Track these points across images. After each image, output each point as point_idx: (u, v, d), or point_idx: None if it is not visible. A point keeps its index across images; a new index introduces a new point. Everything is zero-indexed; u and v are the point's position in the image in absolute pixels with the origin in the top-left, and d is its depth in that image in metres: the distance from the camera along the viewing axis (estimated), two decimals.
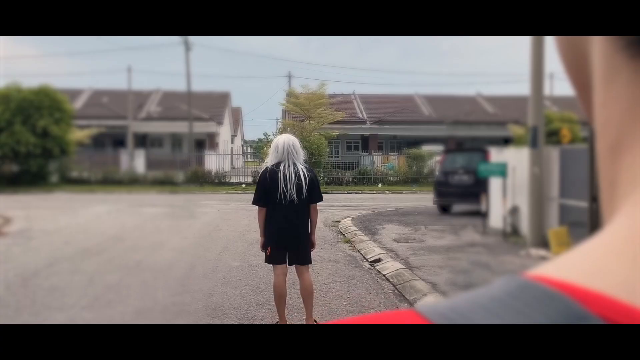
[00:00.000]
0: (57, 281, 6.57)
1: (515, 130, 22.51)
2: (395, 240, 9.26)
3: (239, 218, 13.08)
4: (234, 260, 7.87)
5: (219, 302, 5.66)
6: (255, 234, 10.44)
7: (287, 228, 4.62)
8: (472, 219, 11.40)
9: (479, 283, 6.15)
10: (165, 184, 24.01)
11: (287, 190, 4.53)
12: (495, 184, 10.58)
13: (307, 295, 4.73)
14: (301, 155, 4.71)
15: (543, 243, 8.23)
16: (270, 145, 4.85)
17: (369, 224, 11.40)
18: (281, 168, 4.57)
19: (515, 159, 9.53)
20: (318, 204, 4.77)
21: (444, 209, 13.26)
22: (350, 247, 9.17)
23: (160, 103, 35.55)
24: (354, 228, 10.87)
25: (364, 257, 8.24)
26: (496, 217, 10.22)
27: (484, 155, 12.03)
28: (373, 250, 8.42)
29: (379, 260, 7.78)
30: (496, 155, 10.61)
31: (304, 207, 4.65)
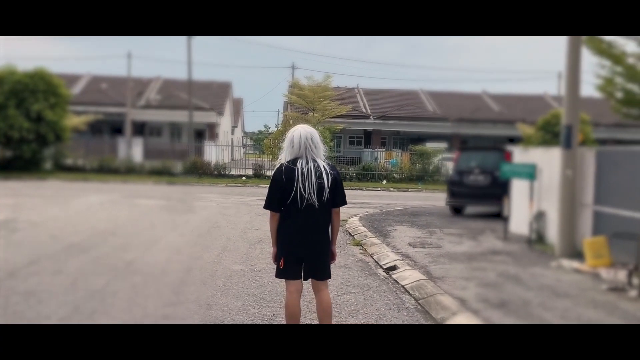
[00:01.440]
0: (35, 284, 5.81)
1: (524, 129, 21.80)
2: (410, 244, 8.51)
3: (240, 214, 12.34)
4: (235, 264, 7.11)
5: (218, 315, 4.92)
6: (257, 232, 9.75)
7: (304, 236, 3.85)
8: (488, 223, 10.68)
9: (513, 300, 5.42)
10: (162, 174, 23.18)
11: (305, 192, 3.77)
12: (516, 186, 9.84)
13: (325, 316, 3.96)
14: (321, 149, 3.94)
15: (575, 253, 7.49)
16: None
17: (378, 225, 10.67)
18: (298, 165, 3.81)
19: (542, 160, 8.77)
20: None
21: (457, 210, 12.52)
22: (362, 251, 8.42)
23: (160, 91, 34.76)
24: (363, 229, 10.13)
25: (378, 263, 7.50)
26: (517, 222, 9.49)
27: (503, 155, 11.30)
28: (387, 256, 7.67)
29: (394, 267, 7.04)
30: (520, 155, 9.83)
31: (325, 211, 3.89)
